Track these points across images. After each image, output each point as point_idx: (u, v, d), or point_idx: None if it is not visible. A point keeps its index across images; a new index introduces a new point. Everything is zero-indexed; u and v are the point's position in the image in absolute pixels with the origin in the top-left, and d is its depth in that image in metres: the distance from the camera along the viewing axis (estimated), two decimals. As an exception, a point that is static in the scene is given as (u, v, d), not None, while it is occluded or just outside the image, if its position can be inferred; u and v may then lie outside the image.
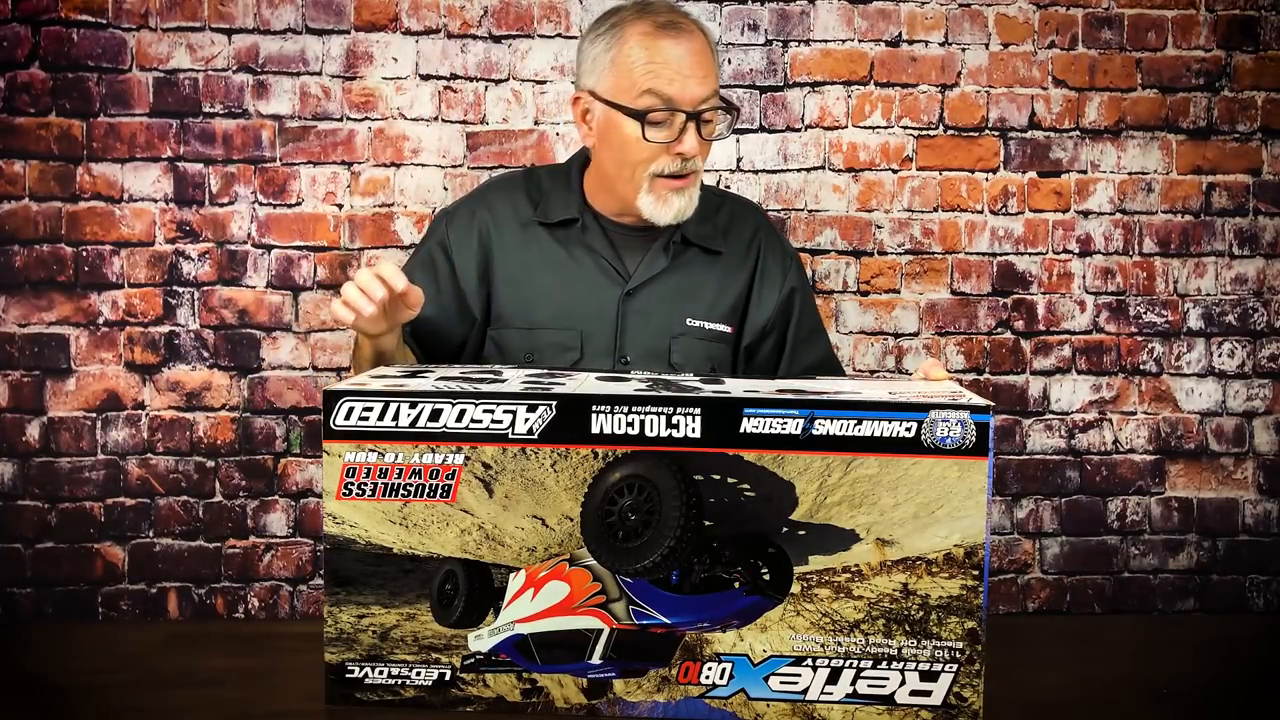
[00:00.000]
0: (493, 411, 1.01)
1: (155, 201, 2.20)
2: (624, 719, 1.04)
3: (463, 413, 1.01)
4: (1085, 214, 2.32)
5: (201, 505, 2.22)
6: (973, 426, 0.99)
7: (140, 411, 2.21)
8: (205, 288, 2.22)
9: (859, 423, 0.99)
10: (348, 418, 1.02)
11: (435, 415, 1.01)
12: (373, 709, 1.04)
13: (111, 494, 2.21)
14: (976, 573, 1.01)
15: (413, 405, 1.01)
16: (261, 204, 2.22)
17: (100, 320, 2.20)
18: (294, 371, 2.23)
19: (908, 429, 0.99)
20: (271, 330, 2.23)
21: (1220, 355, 2.33)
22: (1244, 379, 2.33)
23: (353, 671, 1.04)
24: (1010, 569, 2.33)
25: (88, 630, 1.59)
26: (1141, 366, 2.33)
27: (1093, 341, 2.33)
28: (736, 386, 1.09)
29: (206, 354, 2.22)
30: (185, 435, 2.22)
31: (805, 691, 1.03)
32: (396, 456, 1.02)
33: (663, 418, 1.00)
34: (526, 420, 1.01)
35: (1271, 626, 1.72)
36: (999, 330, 2.32)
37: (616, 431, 1.00)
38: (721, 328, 1.54)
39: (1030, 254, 2.31)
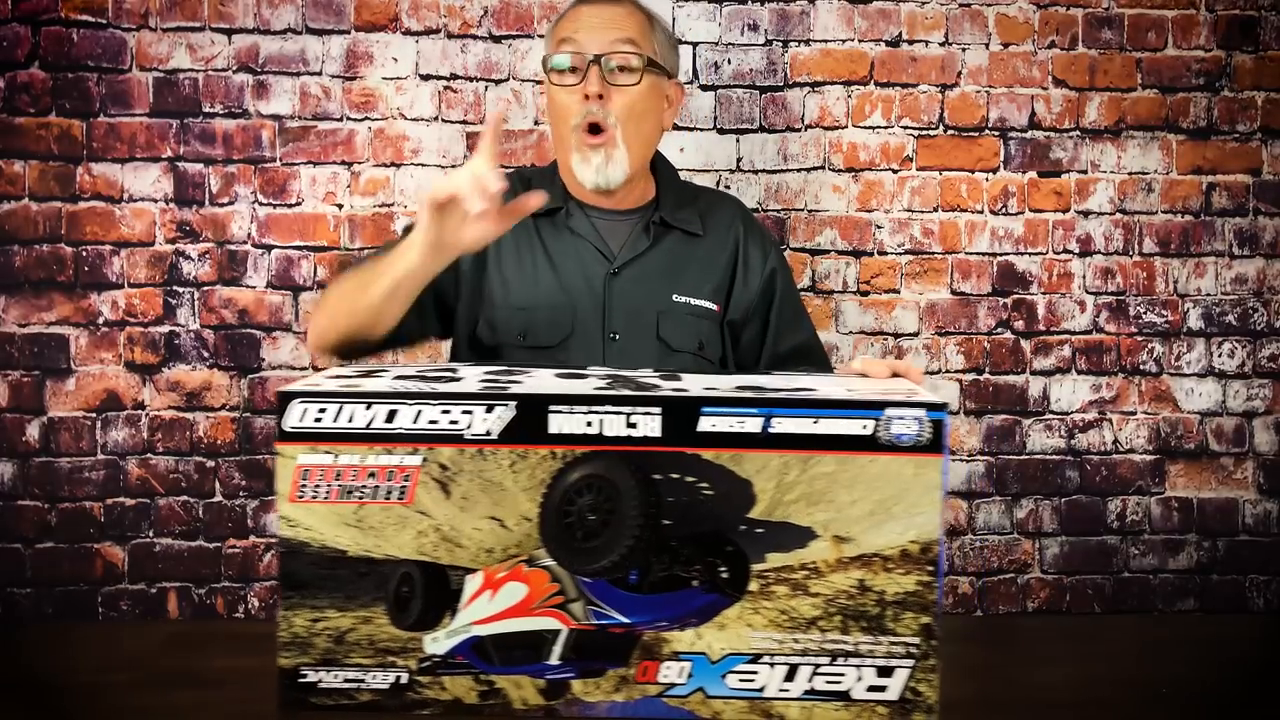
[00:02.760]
0: (450, 412, 1.00)
1: (155, 201, 2.20)
2: (582, 719, 1.04)
3: (419, 413, 1.00)
4: (1085, 214, 2.32)
5: (201, 505, 2.22)
6: (928, 424, 0.99)
7: (140, 411, 2.21)
8: (205, 288, 2.22)
9: (816, 421, 0.99)
10: (301, 419, 1.00)
11: (391, 416, 1.00)
12: (328, 713, 1.03)
13: (111, 494, 2.21)
14: (931, 569, 1.01)
15: (368, 406, 1.00)
16: (261, 204, 2.22)
17: (100, 320, 2.20)
18: (294, 371, 2.23)
19: (864, 427, 0.99)
20: (271, 330, 2.23)
21: (1220, 355, 2.33)
22: (1244, 379, 2.33)
23: (306, 676, 1.02)
24: (1010, 569, 2.33)
25: (88, 630, 1.59)
26: (1141, 366, 2.33)
27: (1093, 341, 2.33)
28: (695, 384, 1.09)
29: (206, 354, 2.22)
30: (185, 435, 2.22)
31: (763, 689, 1.03)
32: (352, 458, 1.00)
33: (622, 417, 1.00)
34: (485, 421, 1.00)
35: (1271, 626, 1.72)
36: (999, 330, 2.32)
37: (575, 431, 1.00)
38: (707, 305, 1.60)
39: (1030, 254, 2.31)
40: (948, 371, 2.31)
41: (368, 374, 1.13)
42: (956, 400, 2.31)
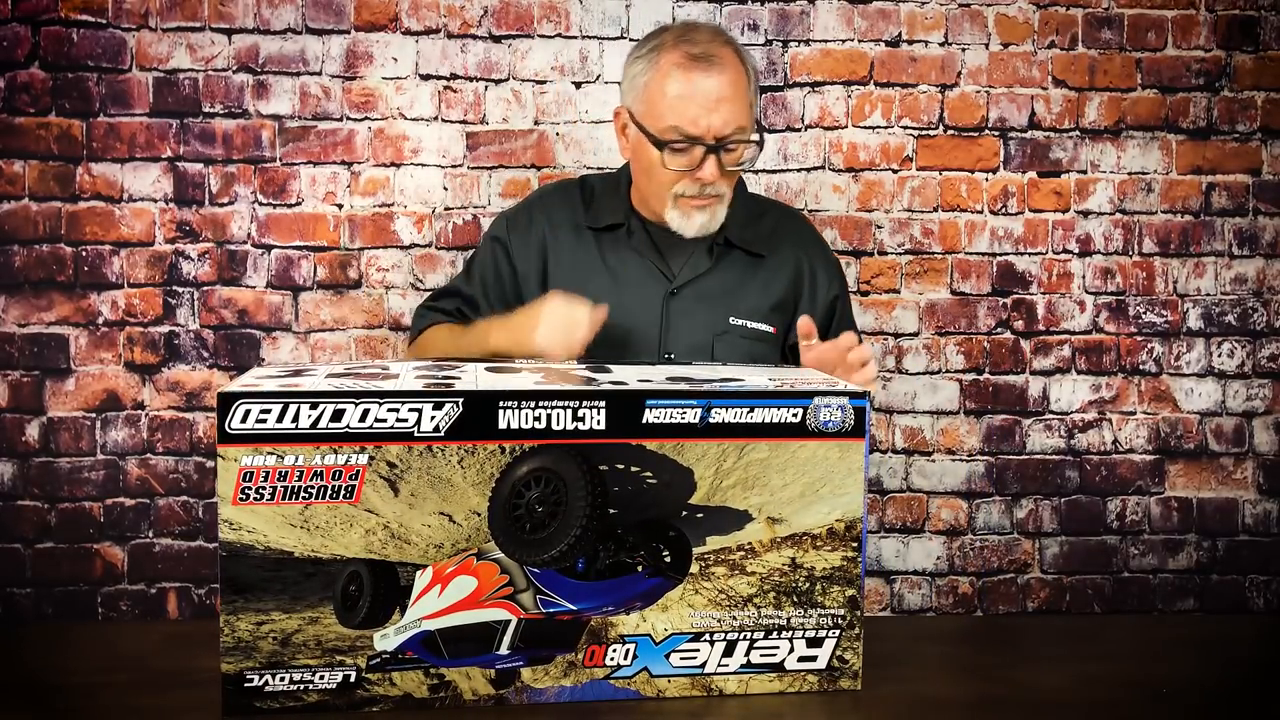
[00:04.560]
0: (398, 410, 1.01)
1: (155, 201, 2.20)
2: (532, 706, 1.05)
3: (366, 412, 1.00)
4: (1085, 214, 2.32)
5: (201, 505, 2.22)
6: (851, 411, 1.07)
7: (140, 411, 2.21)
8: (205, 288, 2.22)
9: (751, 410, 1.06)
10: (244, 420, 0.99)
11: (338, 415, 1.00)
12: (274, 716, 1.02)
13: (111, 494, 2.20)
14: (855, 544, 1.09)
15: (313, 406, 1.00)
16: (261, 204, 2.22)
17: (100, 320, 2.20)
18: (294, 371, 2.23)
19: (794, 415, 1.06)
20: (271, 330, 2.23)
21: (1220, 355, 2.33)
22: (1244, 379, 2.33)
23: (252, 680, 1.02)
24: (1010, 569, 2.33)
25: (88, 630, 1.59)
26: (1141, 366, 2.33)
27: (1092, 341, 2.33)
28: (629, 376, 1.13)
29: (206, 354, 2.22)
30: (185, 435, 2.22)
31: (704, 665, 1.08)
32: (297, 459, 1.00)
33: (569, 411, 1.03)
34: (433, 418, 1.01)
35: (1271, 626, 1.72)
36: (999, 330, 2.32)
37: (524, 426, 1.02)
38: (764, 327, 1.60)
39: (1030, 254, 2.31)
40: (948, 371, 2.31)
41: (298, 372, 1.13)
42: (956, 400, 2.31)
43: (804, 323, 1.43)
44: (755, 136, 1.50)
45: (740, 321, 1.57)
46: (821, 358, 1.41)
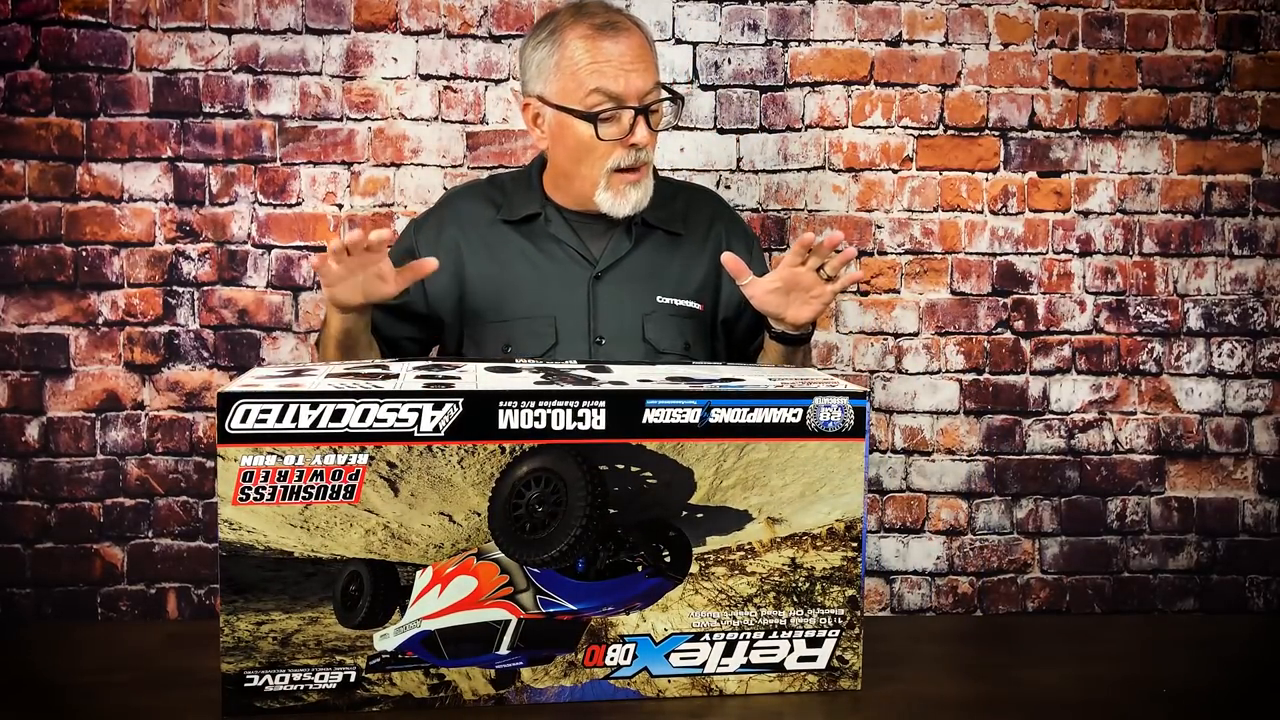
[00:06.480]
0: (398, 410, 1.01)
1: (155, 201, 2.20)
2: (532, 706, 1.05)
3: (366, 412, 1.01)
4: (1085, 214, 2.32)
5: (201, 505, 2.22)
6: (851, 411, 1.07)
7: (140, 411, 2.21)
8: (205, 288, 2.22)
9: (751, 410, 1.06)
10: (244, 420, 0.99)
11: (338, 415, 1.00)
12: (274, 716, 1.02)
13: (111, 494, 2.20)
14: (855, 544, 1.09)
15: (314, 406, 1.00)
16: (261, 204, 2.22)
17: (100, 320, 2.20)
18: (294, 371, 2.23)
19: (794, 415, 1.07)
20: (271, 330, 2.23)
21: (1220, 355, 2.33)
22: (1244, 379, 2.33)
23: (251, 680, 1.02)
24: (1010, 569, 2.33)
25: (87, 630, 1.59)
26: (1141, 366, 2.33)
27: (1093, 341, 2.33)
28: (629, 376, 1.13)
29: (206, 354, 2.22)
30: (185, 435, 2.22)
31: (704, 665, 1.09)
32: (297, 459, 1.00)
33: (569, 411, 1.03)
34: (433, 418, 1.01)
35: (1271, 626, 1.72)
36: (999, 330, 2.32)
37: (524, 426, 1.02)
38: (691, 304, 1.60)
39: (1030, 254, 2.31)
40: (948, 371, 2.31)
41: (298, 372, 1.12)
42: (957, 400, 2.31)
43: (729, 259, 1.42)
44: (667, 95, 1.52)
45: (667, 300, 1.57)
46: (781, 282, 1.41)
